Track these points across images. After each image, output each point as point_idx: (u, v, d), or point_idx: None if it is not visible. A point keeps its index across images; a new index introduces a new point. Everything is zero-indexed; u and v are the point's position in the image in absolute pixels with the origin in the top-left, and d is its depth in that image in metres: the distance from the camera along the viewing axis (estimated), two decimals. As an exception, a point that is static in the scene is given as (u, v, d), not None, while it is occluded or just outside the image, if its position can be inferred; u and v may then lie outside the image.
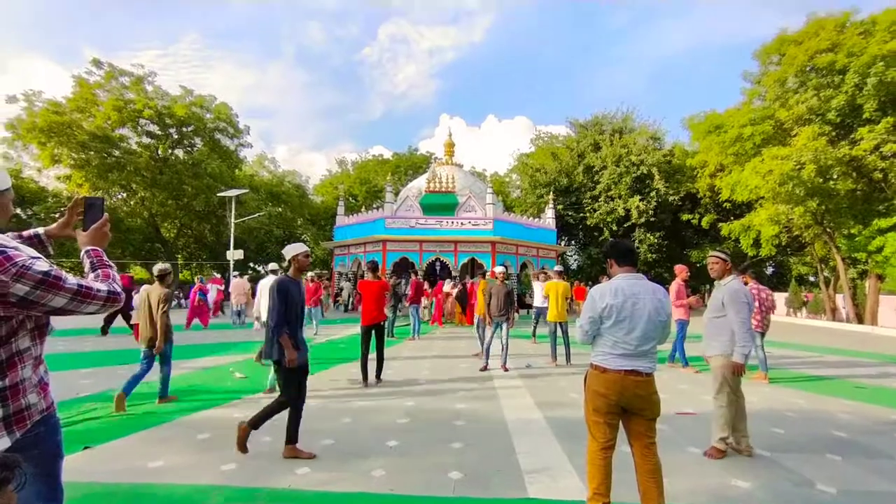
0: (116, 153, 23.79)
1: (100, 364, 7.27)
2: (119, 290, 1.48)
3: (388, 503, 2.85)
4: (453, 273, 18.20)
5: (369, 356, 6.18)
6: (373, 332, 6.25)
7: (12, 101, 21.81)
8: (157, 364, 5.11)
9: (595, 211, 26.57)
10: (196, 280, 15.76)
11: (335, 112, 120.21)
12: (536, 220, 22.79)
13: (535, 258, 21.10)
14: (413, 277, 12.83)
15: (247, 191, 25.49)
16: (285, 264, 3.96)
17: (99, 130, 22.63)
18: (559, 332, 7.87)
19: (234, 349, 9.05)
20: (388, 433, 4.14)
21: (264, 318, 7.64)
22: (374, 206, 24.90)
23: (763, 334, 6.88)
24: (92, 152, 22.56)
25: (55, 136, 21.59)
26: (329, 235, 28.12)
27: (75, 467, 3.20)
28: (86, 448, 3.67)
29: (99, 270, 1.52)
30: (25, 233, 1.72)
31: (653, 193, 25.30)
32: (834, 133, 16.70)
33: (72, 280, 1.35)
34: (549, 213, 22.99)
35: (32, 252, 1.36)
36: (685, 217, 25.89)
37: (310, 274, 11.24)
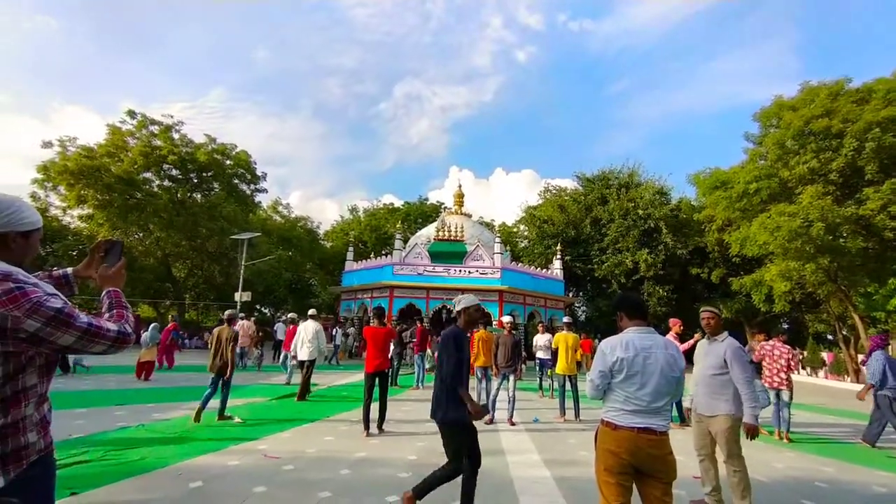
0: (138, 195, 24.64)
1: (96, 404, 7.13)
2: (129, 331, 1.50)
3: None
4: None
5: (372, 405, 6.01)
6: (376, 379, 6.11)
7: (48, 146, 23.08)
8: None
9: (603, 263, 26.55)
10: (170, 319, 15.95)
11: (348, 161, 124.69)
12: (545, 270, 22.77)
13: (542, 308, 20.85)
14: (418, 325, 12.55)
15: (259, 234, 26.00)
16: (454, 315, 3.66)
17: (125, 174, 23.60)
18: (568, 386, 7.62)
19: (236, 393, 8.85)
20: (388, 487, 3.94)
21: (301, 357, 8.52)
22: (383, 252, 25.17)
23: (790, 393, 6.63)
24: (115, 194, 23.40)
25: (84, 178, 22.56)
26: (337, 280, 28.23)
27: None
28: (72, 494, 3.53)
29: (114, 310, 1.55)
30: (55, 272, 1.78)
31: (661, 247, 25.32)
32: (838, 192, 16.85)
33: (83, 318, 1.37)
34: (557, 264, 23.00)
35: (50, 289, 1.39)
36: (694, 271, 25.72)
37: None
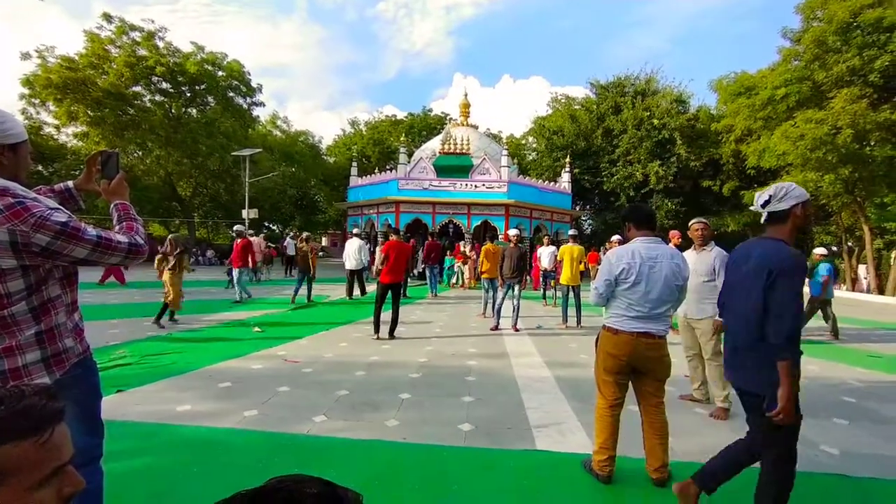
0: (131, 111, 23.69)
1: (124, 315, 7.57)
2: (141, 242, 1.51)
3: (401, 451, 2.98)
4: (466, 236, 18.20)
5: (383, 314, 6.43)
6: (390, 290, 6.46)
7: (26, 57, 21.64)
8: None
9: (612, 175, 25.95)
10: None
11: (349, 70, 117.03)
12: (552, 183, 22.39)
13: (549, 222, 20.89)
14: (430, 239, 13.09)
15: (260, 150, 25.37)
16: (765, 217, 2.13)
17: (113, 87, 22.43)
18: (571, 296, 7.90)
19: (252, 305, 9.32)
20: (400, 386, 4.29)
21: (349, 267, 10.56)
22: (388, 167, 24.66)
23: None
24: (107, 109, 22.49)
25: (70, 93, 21.50)
26: (342, 196, 28.10)
27: (110, 408, 3.37)
28: (118, 391, 3.89)
29: (124, 223, 1.56)
30: (56, 187, 1.78)
31: (673, 159, 24.54)
32: (875, 96, 15.74)
33: (91, 231, 1.38)
34: (565, 178, 22.55)
35: (52, 203, 1.39)
36: (706, 183, 25.16)
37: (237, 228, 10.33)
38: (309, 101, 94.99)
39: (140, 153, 26.45)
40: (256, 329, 6.78)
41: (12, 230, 1.26)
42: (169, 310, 6.83)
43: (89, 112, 22.44)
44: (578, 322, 7.86)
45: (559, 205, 21.49)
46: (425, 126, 37.20)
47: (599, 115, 27.81)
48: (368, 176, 21.55)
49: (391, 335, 6.42)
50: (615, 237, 8.18)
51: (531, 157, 32.97)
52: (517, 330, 7.20)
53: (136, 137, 23.85)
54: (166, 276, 6.73)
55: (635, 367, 2.63)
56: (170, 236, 7.04)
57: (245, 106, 28.44)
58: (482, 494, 2.49)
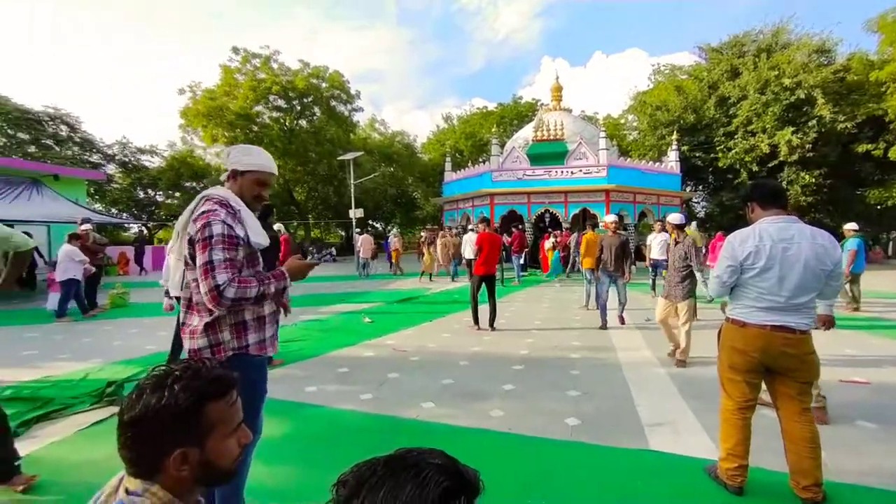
0: (255, 128, 27.15)
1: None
2: (231, 296, 1.64)
3: (506, 441, 3.03)
4: (564, 225, 17.56)
5: (480, 307, 6.58)
6: (484, 282, 6.54)
7: (182, 92, 26.41)
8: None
9: (729, 150, 22.78)
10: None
11: (437, 67, 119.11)
12: (657, 164, 20.51)
13: (655, 206, 19.18)
14: (515, 230, 13.46)
15: (362, 153, 27.22)
16: None
17: (241, 110, 26.02)
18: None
19: (362, 298, 10.10)
20: (503, 377, 4.34)
21: (468, 256, 9.77)
22: (480, 160, 24.76)
23: None
24: (238, 129, 26.17)
25: (212, 118, 25.60)
26: (438, 192, 28.94)
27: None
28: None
29: (257, 279, 1.74)
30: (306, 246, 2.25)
31: (812, 122, 20.68)
32: None
33: (217, 256, 1.67)
34: (673, 156, 20.43)
35: (231, 222, 1.72)
36: (861, 148, 20.64)
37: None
38: (402, 101, 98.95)
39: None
40: (367, 320, 7.35)
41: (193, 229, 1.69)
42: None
43: (225, 133, 26.32)
44: (693, 314, 7.14)
45: (666, 186, 19.62)
46: (516, 115, 36.56)
47: (711, 82, 24.58)
48: (462, 170, 21.86)
49: (492, 326, 6.51)
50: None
51: (632, 137, 30.49)
52: (623, 322, 6.77)
53: (260, 151, 27.31)
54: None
55: (769, 366, 2.33)
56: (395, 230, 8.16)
57: (346, 113, 30.76)
58: (589, 492, 2.43)
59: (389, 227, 34.31)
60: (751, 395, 2.38)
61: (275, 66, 27.30)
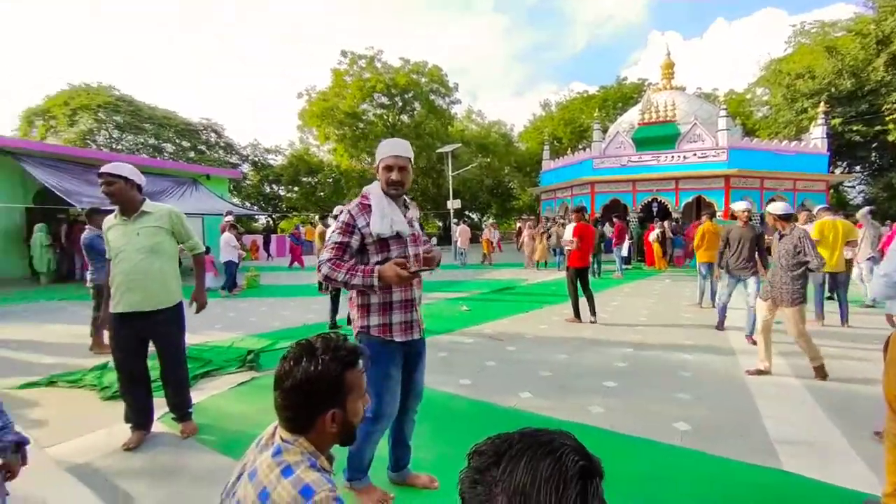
0: (361, 125, 29.23)
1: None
2: (326, 273, 2.00)
3: (608, 439, 2.93)
4: (674, 215, 16.05)
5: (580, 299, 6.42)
6: (578, 276, 6.46)
7: (300, 96, 29.66)
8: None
9: (904, 120, 18.66)
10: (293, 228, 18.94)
11: (532, 54, 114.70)
12: (795, 143, 17.63)
13: (790, 192, 16.49)
14: (617, 221, 12.70)
15: (460, 145, 27.72)
16: None
17: (349, 109, 28.21)
18: (832, 285, 6.18)
19: (460, 287, 10.38)
20: (605, 373, 4.18)
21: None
22: (581, 146, 23.63)
23: None
24: (346, 128, 28.50)
25: (324, 119, 28.25)
26: (535, 181, 28.32)
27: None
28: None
29: (354, 267, 2.01)
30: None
31: None
32: None
33: (325, 256, 2.02)
34: (818, 132, 17.29)
35: (357, 217, 2.08)
36: None
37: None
38: (498, 90, 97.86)
39: (370, 160, 32.24)
40: (464, 308, 7.56)
41: None
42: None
43: (336, 131, 28.86)
44: (844, 320, 6.09)
45: (807, 169, 16.78)
46: (620, 97, 34.16)
47: (881, 36, 20.16)
48: (560, 158, 21.10)
49: (593, 316, 6.35)
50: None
51: (760, 114, 26.59)
52: (753, 342, 5.05)
53: (366, 147, 29.25)
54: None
55: None
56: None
57: (445, 106, 31.54)
58: (701, 503, 2.26)
59: (485, 218, 34.53)
60: None
61: (379, 65, 28.96)
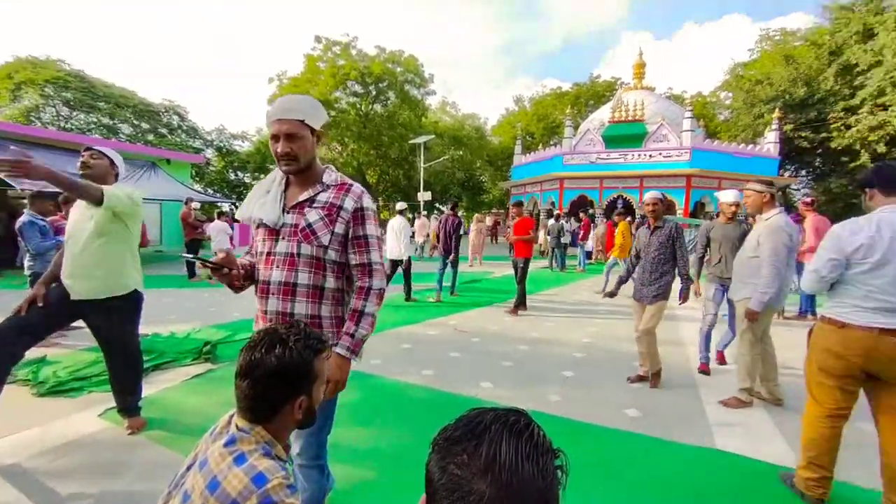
0: (332, 113, 28.56)
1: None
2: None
3: (565, 427, 3.03)
4: (639, 212, 16.58)
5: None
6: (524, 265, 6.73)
7: (271, 81, 28.68)
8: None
9: (849, 128, 19.84)
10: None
11: (510, 47, 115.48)
12: (751, 146, 18.52)
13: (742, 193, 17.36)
14: (584, 217, 13.17)
15: (433, 137, 27.61)
16: None
17: (321, 96, 27.41)
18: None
19: (427, 278, 10.36)
20: (563, 364, 4.31)
21: (392, 256, 7.29)
22: (552, 142, 23.99)
23: None
24: (317, 116, 27.91)
25: (295, 105, 27.55)
26: (506, 176, 28.60)
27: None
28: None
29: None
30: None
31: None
32: None
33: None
34: (771, 136, 18.23)
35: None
36: None
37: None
38: (474, 83, 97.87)
39: (339, 148, 31.61)
40: (431, 299, 7.58)
41: None
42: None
43: (306, 119, 28.23)
44: (792, 311, 6.49)
45: (759, 172, 17.63)
46: (593, 95, 34.80)
47: (834, 47, 21.28)
48: (532, 153, 21.36)
49: (518, 311, 6.62)
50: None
51: (723, 117, 27.74)
52: (724, 361, 4.47)
53: (336, 135, 28.66)
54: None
55: (874, 373, 2.09)
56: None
57: (419, 96, 31.24)
58: (649, 483, 2.39)
59: (465, 212, 34.61)
60: (844, 402, 2.17)
61: (354, 52, 28.34)
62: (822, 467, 2.18)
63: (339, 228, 1.58)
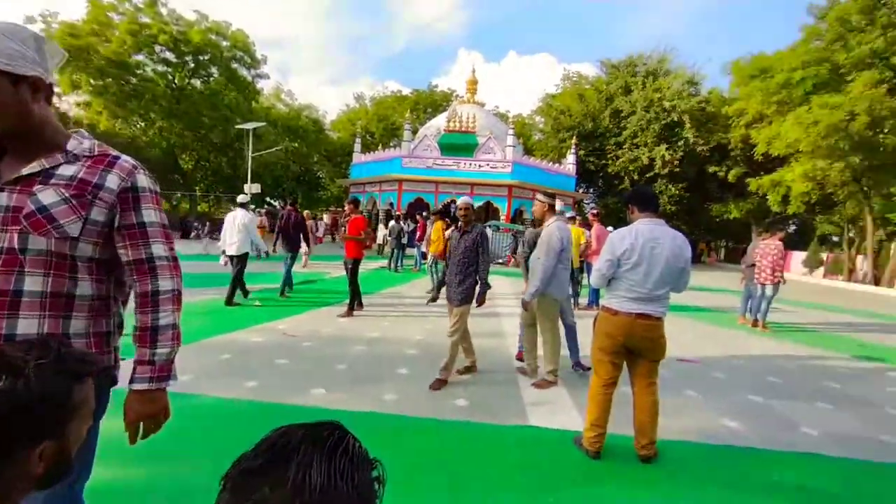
0: (133, 80, 23.46)
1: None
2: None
3: (399, 423, 3.06)
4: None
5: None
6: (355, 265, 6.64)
7: (31, 21, 21.40)
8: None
9: (618, 158, 25.73)
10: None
11: (354, 44, 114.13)
12: (557, 164, 22.21)
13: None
14: (420, 219, 13.61)
15: (264, 124, 25.16)
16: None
17: (115, 56, 22.15)
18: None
19: (251, 280, 9.36)
20: (398, 362, 4.37)
21: (231, 252, 6.86)
22: (392, 144, 24.44)
23: (774, 288, 6.89)
24: (109, 79, 22.28)
25: (73, 60, 21.16)
26: (345, 173, 27.96)
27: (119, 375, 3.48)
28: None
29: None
30: None
31: (681, 143, 24.29)
32: (895, 81, 15.45)
33: None
34: (571, 159, 22.36)
35: None
36: (712, 169, 24.94)
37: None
38: (313, 74, 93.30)
39: (143, 124, 26.25)
40: (257, 303, 6.86)
41: None
42: None
43: (91, 81, 22.24)
44: (576, 304, 7.87)
45: (562, 187, 21.36)
46: (430, 103, 36.74)
47: (609, 95, 27.40)
48: (372, 153, 21.39)
49: (353, 314, 6.45)
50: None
51: (537, 138, 32.60)
52: (584, 368, 4.36)
53: (138, 108, 23.69)
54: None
55: (631, 348, 2.68)
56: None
57: (249, 78, 28.13)
58: (479, 465, 2.58)
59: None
60: (614, 373, 2.74)
61: (163, 10, 23.82)
62: (599, 426, 2.70)
63: (97, 215, 1.15)
